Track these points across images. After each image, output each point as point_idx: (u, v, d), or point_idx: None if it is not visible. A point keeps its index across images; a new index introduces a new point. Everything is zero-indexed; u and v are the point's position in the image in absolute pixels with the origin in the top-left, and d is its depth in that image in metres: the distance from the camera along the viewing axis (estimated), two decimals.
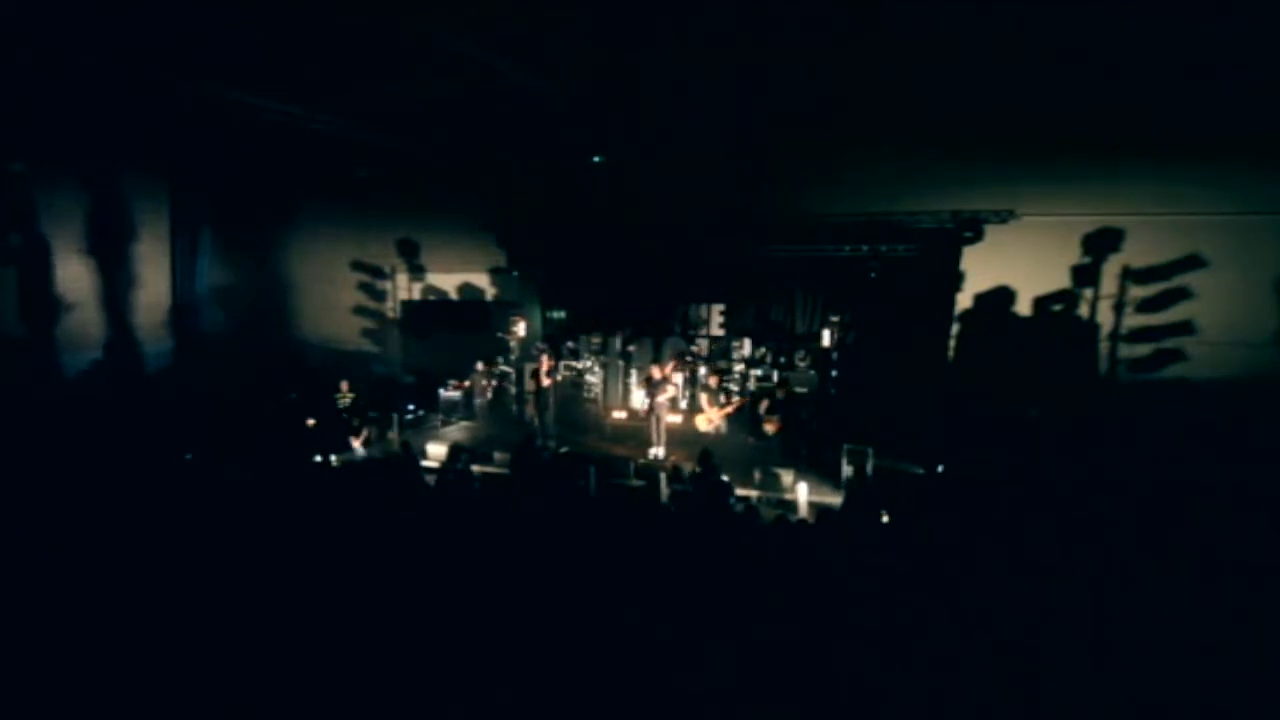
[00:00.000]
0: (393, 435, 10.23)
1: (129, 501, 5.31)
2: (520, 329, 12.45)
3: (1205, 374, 9.57)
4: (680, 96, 9.08)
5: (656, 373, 9.67)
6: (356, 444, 9.92)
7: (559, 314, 13.43)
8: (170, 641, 3.40)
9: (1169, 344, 9.75)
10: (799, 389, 10.78)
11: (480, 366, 11.77)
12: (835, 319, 11.39)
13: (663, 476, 8.36)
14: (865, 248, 10.75)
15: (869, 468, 8.08)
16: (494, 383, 12.00)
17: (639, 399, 11.12)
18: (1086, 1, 6.31)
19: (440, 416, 11.58)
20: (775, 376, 11.01)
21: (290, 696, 3.10)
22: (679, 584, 4.08)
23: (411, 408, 11.56)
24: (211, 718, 3.03)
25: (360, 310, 14.59)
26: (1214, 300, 9.47)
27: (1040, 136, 9.70)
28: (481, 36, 6.73)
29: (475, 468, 9.04)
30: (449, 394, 11.76)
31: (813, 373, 11.15)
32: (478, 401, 11.75)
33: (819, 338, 11.41)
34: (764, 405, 10.15)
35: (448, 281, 14.13)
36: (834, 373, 11.16)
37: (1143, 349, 9.89)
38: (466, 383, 11.76)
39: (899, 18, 6.64)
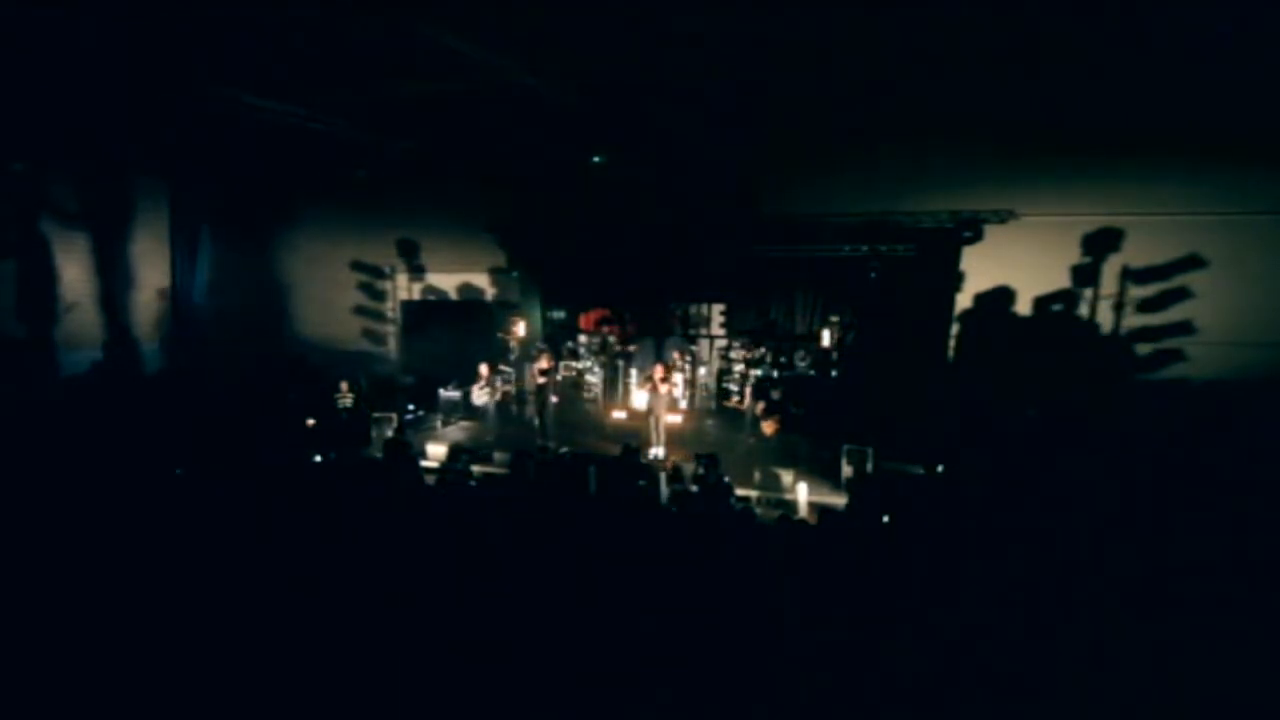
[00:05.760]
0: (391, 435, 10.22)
1: (126, 502, 5.31)
2: (520, 329, 12.45)
3: (1205, 374, 9.58)
4: (680, 96, 9.08)
5: (657, 373, 9.68)
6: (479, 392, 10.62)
7: (559, 314, 13.43)
8: (166, 643, 3.40)
9: (1169, 344, 9.76)
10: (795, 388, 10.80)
11: (485, 370, 11.35)
12: (835, 319, 11.41)
13: (663, 476, 8.36)
14: (865, 248, 10.76)
15: (869, 467, 8.07)
16: (502, 385, 11.63)
17: (639, 399, 11.12)
18: (1087, 3, 6.31)
19: (440, 416, 11.57)
20: (775, 376, 11.03)
21: (286, 700, 3.10)
22: (679, 584, 4.08)
23: (411, 408, 11.56)
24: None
25: (360, 310, 14.59)
26: (1214, 300, 9.48)
27: (1040, 136, 9.72)
28: (482, 37, 6.73)
29: (475, 468, 9.06)
30: (449, 394, 11.73)
31: (812, 373, 11.16)
32: (483, 402, 11.23)
33: (819, 338, 11.42)
34: (760, 406, 10.15)
35: (448, 281, 14.14)
36: (834, 372, 11.18)
37: (1143, 349, 9.90)
38: (486, 389, 11.11)
39: (899, 20, 6.65)
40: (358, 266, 14.43)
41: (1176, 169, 9.40)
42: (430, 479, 7.68)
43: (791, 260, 11.46)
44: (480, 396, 11.05)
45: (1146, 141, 9.33)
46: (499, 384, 11.31)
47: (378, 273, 14.45)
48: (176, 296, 13.31)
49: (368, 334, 14.67)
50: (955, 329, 10.83)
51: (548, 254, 12.99)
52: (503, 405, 11.51)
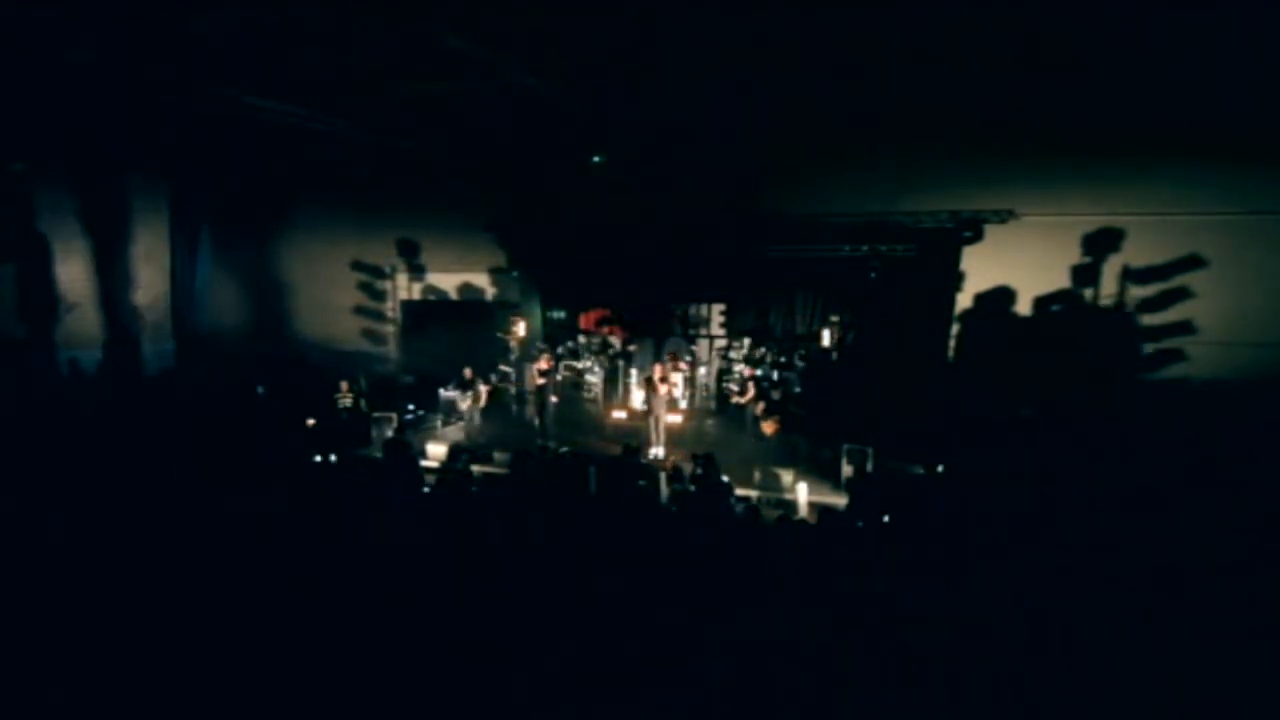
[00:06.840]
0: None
1: (126, 502, 5.31)
2: (520, 329, 12.44)
3: (1205, 374, 9.58)
4: (681, 97, 9.08)
5: (657, 373, 9.68)
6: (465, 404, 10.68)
7: (559, 314, 13.43)
8: (166, 642, 3.40)
9: (1169, 344, 9.76)
10: (795, 389, 10.81)
11: (468, 374, 10.94)
12: (835, 319, 11.41)
13: (663, 476, 8.36)
14: (865, 248, 10.76)
15: (869, 467, 8.07)
16: (488, 388, 11.33)
17: (639, 399, 11.12)
18: (1088, 5, 6.32)
19: (440, 416, 11.56)
20: (775, 376, 11.04)
21: (287, 699, 3.09)
22: (679, 584, 4.08)
23: (411, 408, 11.55)
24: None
25: (360, 310, 14.60)
26: (1214, 300, 9.48)
27: (1040, 136, 9.72)
28: (483, 36, 6.74)
29: (475, 468, 9.06)
30: (449, 394, 11.71)
31: (812, 372, 11.17)
32: (465, 407, 10.92)
33: (819, 337, 11.42)
34: (761, 406, 10.15)
35: (448, 281, 14.14)
36: (833, 371, 11.18)
37: (1143, 349, 9.90)
38: (469, 394, 10.82)
39: (900, 20, 6.65)
40: (358, 266, 14.43)
41: (1176, 169, 9.40)
42: (430, 479, 7.69)
43: (791, 260, 11.46)
44: (463, 402, 10.99)
45: (1146, 141, 9.33)
46: (480, 388, 11.02)
47: (378, 273, 14.45)
48: (176, 296, 13.30)
49: (368, 334, 14.67)
50: (955, 329, 10.83)
51: (548, 254, 12.99)
52: (488, 411, 11.26)
